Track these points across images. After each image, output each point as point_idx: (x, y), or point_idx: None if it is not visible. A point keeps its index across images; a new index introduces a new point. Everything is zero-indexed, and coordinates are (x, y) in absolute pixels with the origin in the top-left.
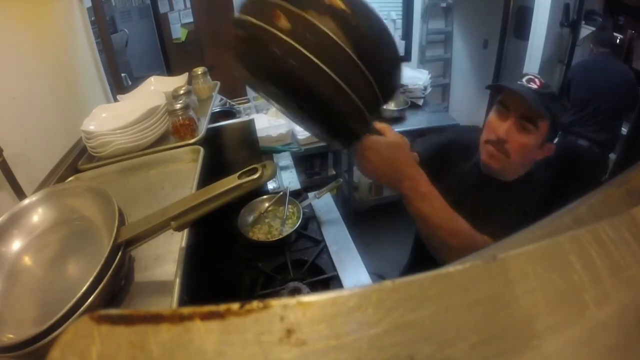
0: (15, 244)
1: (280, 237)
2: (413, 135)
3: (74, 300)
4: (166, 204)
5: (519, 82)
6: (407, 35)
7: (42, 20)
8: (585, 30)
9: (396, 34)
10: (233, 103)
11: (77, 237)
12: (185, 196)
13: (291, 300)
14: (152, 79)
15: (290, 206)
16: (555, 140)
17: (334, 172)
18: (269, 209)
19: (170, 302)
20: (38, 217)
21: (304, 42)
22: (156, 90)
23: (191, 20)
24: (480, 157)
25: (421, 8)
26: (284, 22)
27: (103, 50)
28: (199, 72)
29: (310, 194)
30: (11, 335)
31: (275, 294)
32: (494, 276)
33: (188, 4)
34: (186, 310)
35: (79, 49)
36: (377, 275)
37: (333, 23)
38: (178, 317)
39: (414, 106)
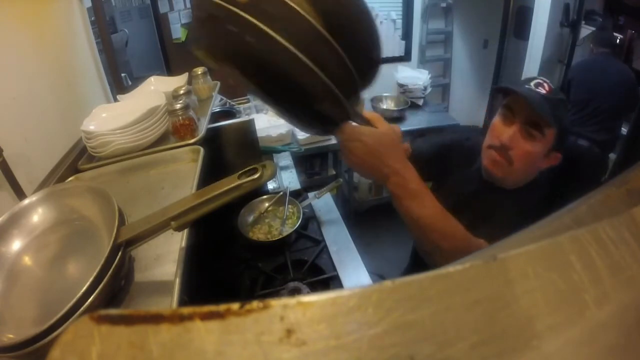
0: (15, 244)
1: (280, 237)
2: (413, 135)
3: (74, 300)
4: (166, 204)
5: (526, 86)
6: (407, 35)
7: (42, 20)
8: (585, 30)
9: (396, 34)
10: (233, 103)
11: (77, 237)
12: (185, 196)
13: (291, 300)
14: (152, 79)
15: (290, 206)
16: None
17: (334, 172)
18: (269, 209)
19: (170, 302)
20: (38, 217)
21: (262, 16)
22: (156, 90)
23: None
24: (482, 162)
25: (421, 8)
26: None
27: (103, 50)
28: (199, 72)
29: (310, 194)
30: (11, 335)
31: (275, 294)
32: (494, 276)
33: (188, 4)
34: (186, 310)
35: (79, 49)
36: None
37: None
38: (178, 317)
39: (414, 106)
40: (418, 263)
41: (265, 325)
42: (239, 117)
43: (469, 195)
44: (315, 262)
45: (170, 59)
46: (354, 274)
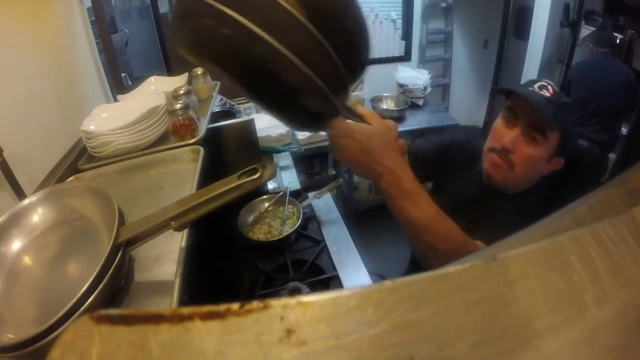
0: (15, 244)
1: (280, 237)
2: (413, 135)
3: (74, 300)
4: (166, 204)
5: (530, 88)
6: (407, 35)
7: (42, 20)
8: (585, 30)
9: (396, 34)
10: (233, 103)
11: (77, 237)
12: (185, 196)
13: (291, 300)
14: (152, 79)
15: (290, 206)
16: None
17: (334, 172)
18: (269, 209)
19: (170, 302)
20: (38, 217)
21: (238, 6)
22: (156, 90)
23: None
24: (483, 165)
25: (421, 8)
26: None
27: (103, 50)
28: (199, 72)
29: (310, 194)
30: (11, 335)
31: (275, 294)
32: (494, 276)
33: None
34: (186, 310)
35: (79, 49)
36: (377, 275)
37: None
38: (178, 317)
39: (414, 106)
40: (418, 265)
41: (265, 325)
42: (239, 117)
43: (469, 198)
44: (315, 262)
45: (170, 59)
46: (354, 274)
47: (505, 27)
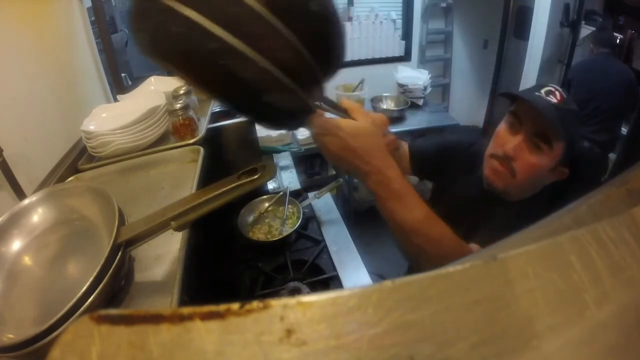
0: (15, 244)
1: (280, 237)
2: (413, 135)
3: (74, 300)
4: (166, 204)
5: (536, 93)
6: (407, 35)
7: (42, 20)
8: (585, 30)
9: (396, 34)
10: None
11: (77, 237)
12: (185, 196)
13: (291, 300)
14: (152, 79)
15: (290, 206)
16: None
17: (334, 172)
18: (269, 209)
19: (170, 302)
20: (38, 217)
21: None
22: (156, 90)
23: None
24: (484, 171)
25: (421, 8)
26: None
27: (103, 50)
28: None
29: (310, 194)
30: (11, 335)
31: (275, 294)
32: (494, 276)
33: None
34: (186, 310)
35: (79, 49)
36: (377, 275)
37: None
38: (178, 317)
39: (414, 106)
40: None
41: (265, 325)
42: (239, 117)
43: (469, 202)
44: (315, 262)
45: None
46: (354, 274)
47: (505, 27)
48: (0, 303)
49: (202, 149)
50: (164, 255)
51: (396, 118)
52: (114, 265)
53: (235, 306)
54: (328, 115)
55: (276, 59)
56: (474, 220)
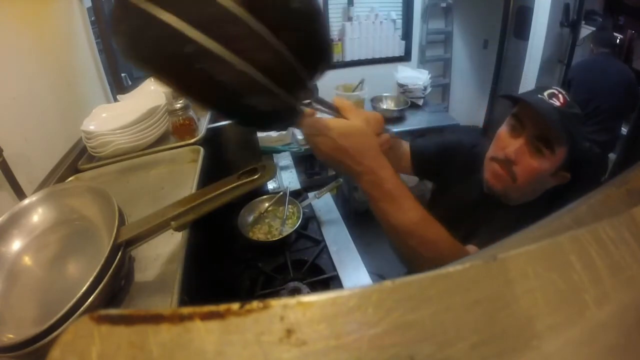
0: (15, 244)
1: (280, 237)
2: (413, 135)
3: (74, 300)
4: (166, 204)
5: (539, 96)
6: (407, 35)
7: (42, 20)
8: (585, 30)
9: (396, 34)
10: None
11: (77, 237)
12: (185, 196)
13: (291, 300)
14: (152, 78)
15: (290, 206)
16: None
17: (334, 172)
18: (269, 209)
19: (170, 302)
20: (38, 217)
21: (162, 2)
22: (156, 90)
23: None
24: (484, 174)
25: (421, 8)
26: None
27: (103, 50)
28: None
29: (310, 194)
30: (11, 335)
31: (275, 294)
32: (494, 276)
33: None
34: (186, 310)
35: (79, 49)
36: (377, 275)
37: None
38: (178, 317)
39: (414, 106)
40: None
41: (265, 325)
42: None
43: (469, 204)
44: (315, 262)
45: None
46: (354, 274)
47: (505, 27)
48: (0, 303)
49: (202, 149)
50: (164, 255)
51: (396, 118)
52: (114, 265)
53: (235, 306)
54: (322, 114)
55: (255, 60)
56: (473, 223)
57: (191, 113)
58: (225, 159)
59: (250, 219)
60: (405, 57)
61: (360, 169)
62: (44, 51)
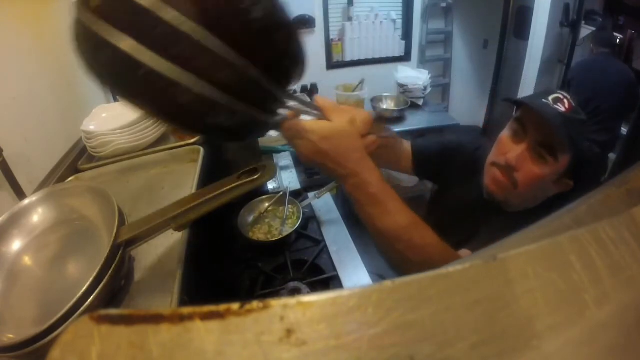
0: (15, 244)
1: (280, 237)
2: (413, 135)
3: (74, 300)
4: (166, 204)
5: (543, 100)
6: (407, 35)
7: (42, 20)
8: (585, 30)
9: (396, 34)
10: None
11: (77, 237)
12: (185, 196)
13: (291, 300)
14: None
15: (290, 206)
16: None
17: None
18: (269, 209)
19: (170, 302)
20: (38, 217)
21: (116, 24)
22: None
23: None
24: (484, 180)
25: (421, 8)
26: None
27: None
28: None
29: (310, 194)
30: (11, 335)
31: (275, 294)
32: (494, 276)
33: None
34: (186, 310)
35: None
36: (377, 275)
37: None
38: (178, 317)
39: (414, 106)
40: None
41: (265, 325)
42: None
43: (469, 207)
44: (315, 262)
45: None
46: (354, 274)
47: (505, 27)
48: (0, 303)
49: (202, 149)
50: (164, 255)
51: (396, 118)
52: (114, 265)
53: (235, 306)
54: (306, 116)
55: (214, 79)
56: (472, 226)
57: None
58: (225, 159)
59: (250, 219)
60: (405, 57)
61: (343, 172)
62: (44, 51)
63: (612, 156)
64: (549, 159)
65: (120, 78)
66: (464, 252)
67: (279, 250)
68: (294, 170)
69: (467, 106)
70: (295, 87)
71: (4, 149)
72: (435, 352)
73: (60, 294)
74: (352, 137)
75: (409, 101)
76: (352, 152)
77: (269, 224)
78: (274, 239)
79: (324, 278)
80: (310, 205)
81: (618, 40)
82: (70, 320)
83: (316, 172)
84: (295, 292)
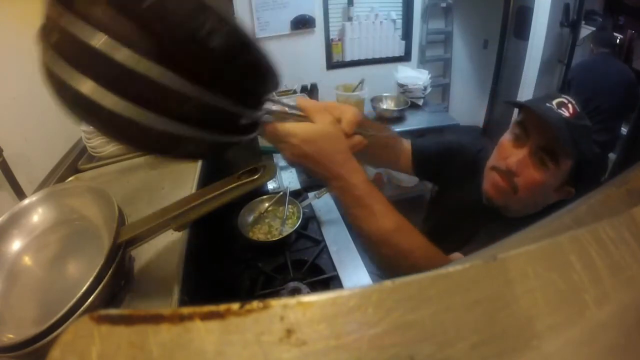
0: (15, 244)
1: (280, 237)
2: (413, 135)
3: (74, 300)
4: (166, 204)
5: (547, 105)
6: (407, 35)
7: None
8: (585, 30)
9: (396, 34)
10: None
11: (77, 237)
12: (185, 196)
13: (291, 300)
14: None
15: (290, 206)
16: None
17: None
18: (269, 209)
19: (170, 302)
20: (38, 217)
21: (77, 66)
22: None
23: None
24: (483, 184)
25: (421, 8)
26: (54, 34)
27: None
28: None
29: (310, 194)
30: (11, 335)
31: (275, 294)
32: (494, 276)
33: None
34: (186, 310)
35: None
36: (377, 275)
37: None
38: (178, 317)
39: (414, 106)
40: None
41: (265, 325)
42: None
43: (468, 210)
44: (315, 262)
45: None
46: (354, 274)
47: (505, 27)
48: (0, 303)
49: None
50: (164, 255)
51: (396, 118)
52: (114, 265)
53: (235, 306)
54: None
55: (175, 113)
56: (471, 229)
57: None
58: (225, 159)
59: (250, 219)
60: (405, 57)
61: (328, 175)
62: None
63: (612, 156)
64: (550, 165)
65: (88, 116)
66: (455, 255)
67: (279, 250)
68: (294, 170)
69: (467, 106)
70: (296, 87)
71: (4, 149)
72: (435, 352)
73: (60, 294)
74: (334, 138)
75: (409, 101)
76: (335, 154)
77: (269, 224)
78: (274, 239)
79: (324, 278)
80: (310, 205)
81: (618, 40)
82: (70, 320)
83: None
84: (295, 292)
